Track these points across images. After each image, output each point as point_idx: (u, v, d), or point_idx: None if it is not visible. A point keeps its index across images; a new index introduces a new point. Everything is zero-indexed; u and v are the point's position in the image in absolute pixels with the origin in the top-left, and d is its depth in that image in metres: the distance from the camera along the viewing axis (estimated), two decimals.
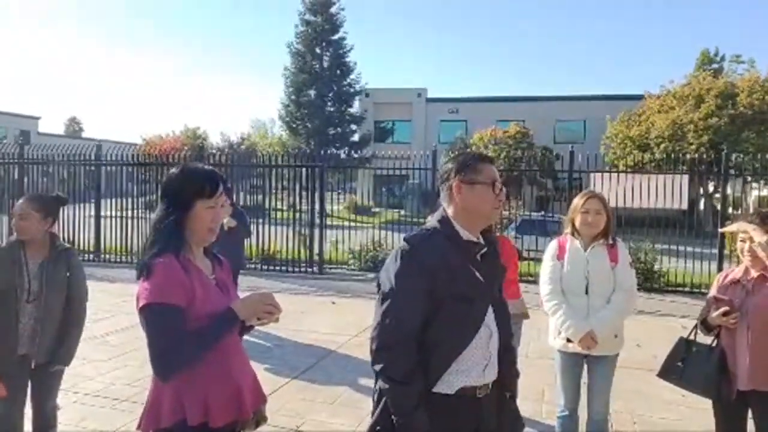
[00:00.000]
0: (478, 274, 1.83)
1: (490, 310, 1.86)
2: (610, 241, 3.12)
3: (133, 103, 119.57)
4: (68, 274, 2.84)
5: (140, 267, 1.72)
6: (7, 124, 37.04)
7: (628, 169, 11.89)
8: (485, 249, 1.90)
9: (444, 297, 1.77)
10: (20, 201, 2.84)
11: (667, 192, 9.43)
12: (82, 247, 11.18)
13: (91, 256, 11.30)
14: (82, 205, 11.42)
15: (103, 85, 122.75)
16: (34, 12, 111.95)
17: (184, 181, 1.78)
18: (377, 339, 1.78)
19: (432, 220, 1.94)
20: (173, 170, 1.85)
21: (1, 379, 2.64)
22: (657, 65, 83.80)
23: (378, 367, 1.78)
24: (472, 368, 1.80)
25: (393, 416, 1.75)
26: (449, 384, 1.79)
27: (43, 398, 2.85)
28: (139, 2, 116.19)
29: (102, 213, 11.64)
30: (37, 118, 44.24)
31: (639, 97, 25.34)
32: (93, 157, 11.76)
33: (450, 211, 1.90)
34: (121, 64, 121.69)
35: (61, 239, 3.06)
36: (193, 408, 1.69)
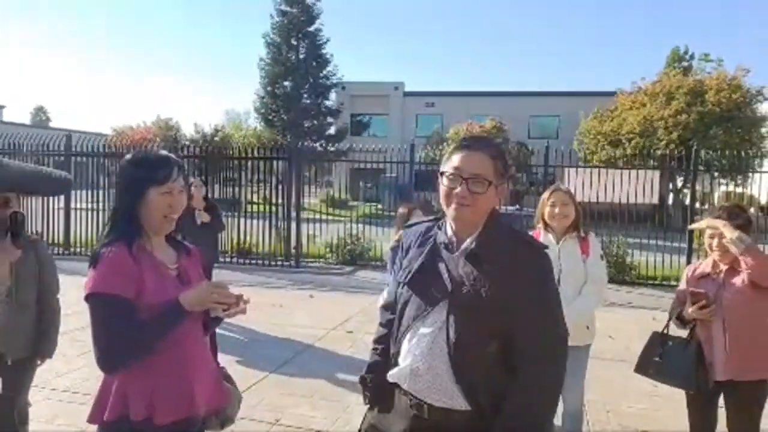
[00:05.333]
0: (446, 273, 1.61)
1: (438, 317, 1.59)
2: (582, 234, 3.20)
3: (102, 93, 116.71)
4: (38, 267, 2.76)
5: (91, 256, 1.68)
6: None
7: (601, 165, 12.11)
8: (473, 251, 1.61)
9: (399, 281, 1.76)
10: None
11: (638, 187, 9.64)
12: (51, 240, 10.89)
13: (61, 249, 11.02)
14: (51, 196, 11.11)
15: (71, 75, 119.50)
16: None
17: (136, 168, 1.72)
18: None
19: None
20: (125, 158, 1.78)
21: None
22: (630, 63, 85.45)
23: None
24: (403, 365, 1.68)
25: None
26: (393, 372, 1.71)
27: (15, 395, 2.78)
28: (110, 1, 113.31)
29: (72, 205, 11.35)
30: (2, 107, 42.84)
31: (612, 94, 25.75)
32: (62, 148, 11.45)
33: None
34: (90, 53, 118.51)
35: (29, 231, 2.97)
36: (136, 402, 1.62)
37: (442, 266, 1.62)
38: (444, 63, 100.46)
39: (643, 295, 8.70)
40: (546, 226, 3.23)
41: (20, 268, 2.68)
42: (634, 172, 9.98)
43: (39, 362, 2.82)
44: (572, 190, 3.43)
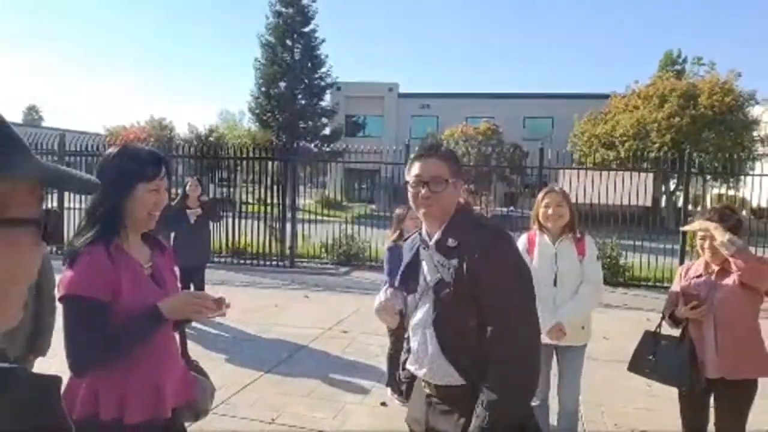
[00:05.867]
0: (425, 268, 1.84)
1: (426, 307, 1.82)
2: (578, 235, 3.23)
3: (94, 92, 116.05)
4: None
5: (66, 254, 1.64)
6: None
7: (595, 167, 12.19)
8: (440, 241, 1.80)
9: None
10: None
11: (632, 189, 9.71)
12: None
13: (53, 249, 10.96)
14: (45, 196, 11.05)
15: (64, 73, 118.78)
16: None
17: (125, 162, 1.68)
18: None
19: None
20: (110, 150, 1.76)
21: None
22: (623, 66, 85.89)
23: None
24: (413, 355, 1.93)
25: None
26: (409, 361, 1.98)
27: None
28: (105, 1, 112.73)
29: (66, 205, 11.30)
30: None
31: (605, 97, 25.92)
32: (56, 147, 11.39)
33: None
34: (82, 52, 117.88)
35: None
36: (107, 403, 1.61)
37: (422, 261, 1.86)
38: (439, 65, 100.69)
39: (637, 297, 8.76)
40: (541, 227, 3.27)
41: None
42: (627, 175, 10.05)
43: (32, 359, 2.83)
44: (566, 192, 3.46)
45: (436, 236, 1.82)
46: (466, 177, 18.44)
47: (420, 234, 1.93)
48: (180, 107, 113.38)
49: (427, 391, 1.85)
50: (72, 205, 11.27)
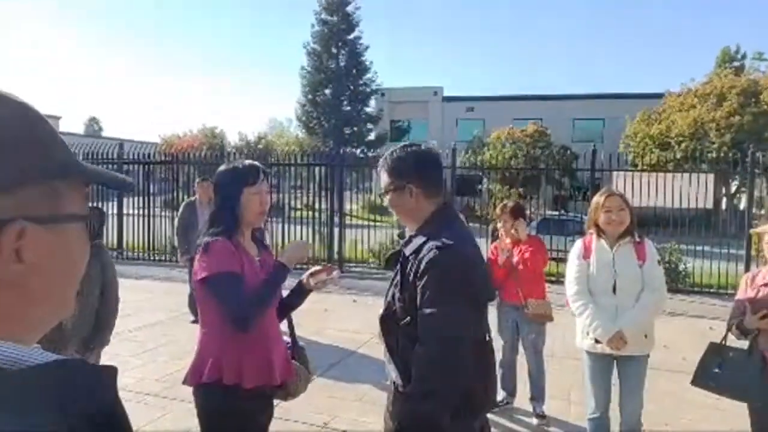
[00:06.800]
0: (399, 268, 1.88)
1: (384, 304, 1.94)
2: (637, 239, 3.10)
3: (150, 103, 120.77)
4: (101, 268, 2.97)
5: (200, 245, 2.03)
6: None
7: (650, 168, 11.75)
8: (402, 246, 1.89)
9: None
10: None
11: (690, 191, 9.31)
12: (105, 245, 11.33)
13: (114, 253, 11.45)
14: (104, 203, 11.58)
15: (122, 85, 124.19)
16: (55, 18, 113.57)
17: (231, 176, 2.09)
18: None
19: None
20: (221, 168, 2.16)
21: None
22: (676, 64, 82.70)
23: None
24: None
25: None
26: None
27: None
28: (163, 7, 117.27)
29: (124, 211, 11.79)
30: (58, 118, 44.92)
31: (659, 96, 25.00)
32: (115, 156, 11.92)
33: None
34: (140, 65, 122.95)
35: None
36: (229, 371, 1.98)
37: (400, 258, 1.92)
38: (484, 67, 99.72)
39: (698, 304, 8.38)
40: (598, 231, 3.15)
41: (88, 269, 2.83)
42: (686, 176, 9.64)
43: (97, 351, 3.01)
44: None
45: (406, 239, 1.90)
46: (557, 185, 18.11)
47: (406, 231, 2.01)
48: (231, 116, 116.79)
49: (392, 387, 1.92)
50: (130, 212, 11.78)
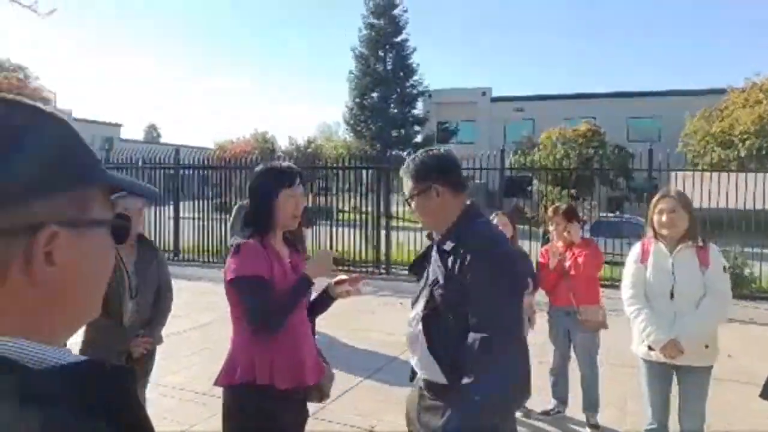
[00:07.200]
0: (430, 266, 1.89)
1: (421, 303, 1.88)
2: (699, 243, 2.93)
3: (205, 109, 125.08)
4: (158, 269, 3.09)
5: (231, 246, 2.05)
6: (93, 131, 39.66)
7: (711, 168, 11.18)
8: (437, 243, 1.89)
9: None
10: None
11: (756, 192, 8.78)
12: (162, 247, 11.77)
13: (171, 255, 11.87)
14: (162, 207, 12.03)
15: (178, 92, 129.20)
16: (118, 34, 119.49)
17: (268, 177, 2.09)
18: None
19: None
20: (258, 169, 2.15)
21: None
22: (738, 58, 78.59)
23: None
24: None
25: None
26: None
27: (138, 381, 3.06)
28: (217, 16, 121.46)
29: (180, 214, 12.21)
30: (119, 126, 47.14)
31: (720, 92, 23.76)
32: (172, 161, 12.38)
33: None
34: (196, 73, 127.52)
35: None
36: (262, 371, 1.98)
37: (432, 258, 1.90)
38: (532, 67, 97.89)
39: (764, 311, 7.89)
40: (656, 234, 3.01)
41: (145, 270, 2.96)
42: (751, 176, 9.11)
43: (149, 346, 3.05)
44: None
45: (438, 237, 1.91)
46: (612, 186, 17.59)
47: (434, 233, 2.01)
48: (282, 120, 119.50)
49: (420, 383, 1.92)
50: (184, 215, 12.18)
